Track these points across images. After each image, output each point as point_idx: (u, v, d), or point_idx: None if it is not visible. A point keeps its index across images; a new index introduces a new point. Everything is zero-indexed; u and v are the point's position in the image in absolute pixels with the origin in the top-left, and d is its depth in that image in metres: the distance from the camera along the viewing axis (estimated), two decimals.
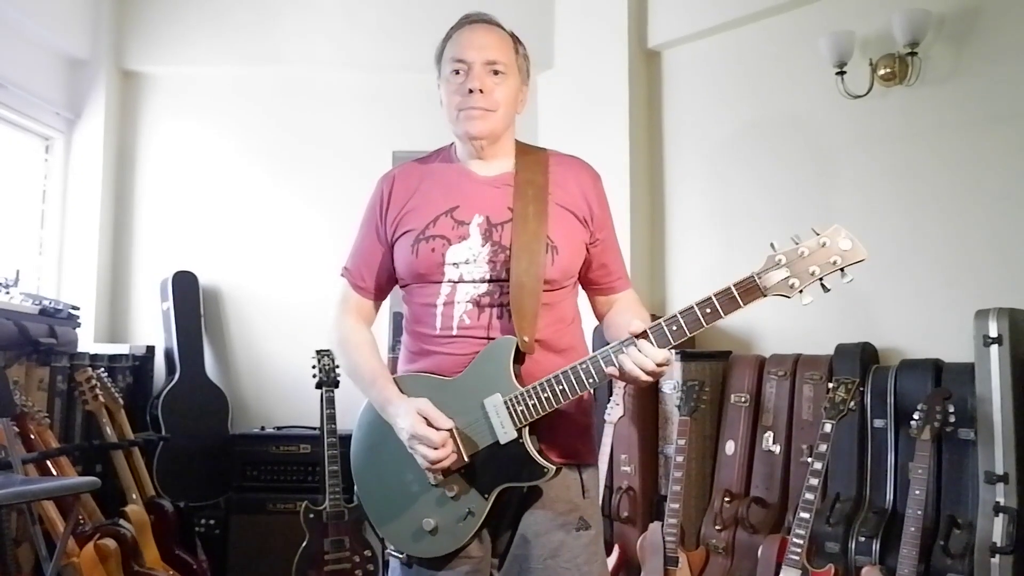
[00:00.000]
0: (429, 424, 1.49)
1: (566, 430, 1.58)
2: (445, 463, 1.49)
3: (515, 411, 1.48)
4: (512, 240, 1.55)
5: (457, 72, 1.59)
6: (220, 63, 4.22)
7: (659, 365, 1.40)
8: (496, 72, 1.59)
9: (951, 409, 2.46)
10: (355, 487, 1.69)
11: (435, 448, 1.47)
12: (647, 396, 3.24)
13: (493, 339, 1.54)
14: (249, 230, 4.20)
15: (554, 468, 1.48)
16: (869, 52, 3.07)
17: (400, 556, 1.60)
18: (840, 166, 3.22)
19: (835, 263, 1.35)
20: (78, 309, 3.50)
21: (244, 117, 4.24)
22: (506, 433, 1.48)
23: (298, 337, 3.86)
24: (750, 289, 1.37)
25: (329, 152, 4.19)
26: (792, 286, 1.36)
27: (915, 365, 2.76)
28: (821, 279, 1.36)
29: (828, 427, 2.58)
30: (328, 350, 3.48)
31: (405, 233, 1.61)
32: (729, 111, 3.58)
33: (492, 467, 1.51)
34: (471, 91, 1.57)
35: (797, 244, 1.37)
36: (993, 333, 2.43)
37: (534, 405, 1.47)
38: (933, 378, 2.69)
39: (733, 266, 3.50)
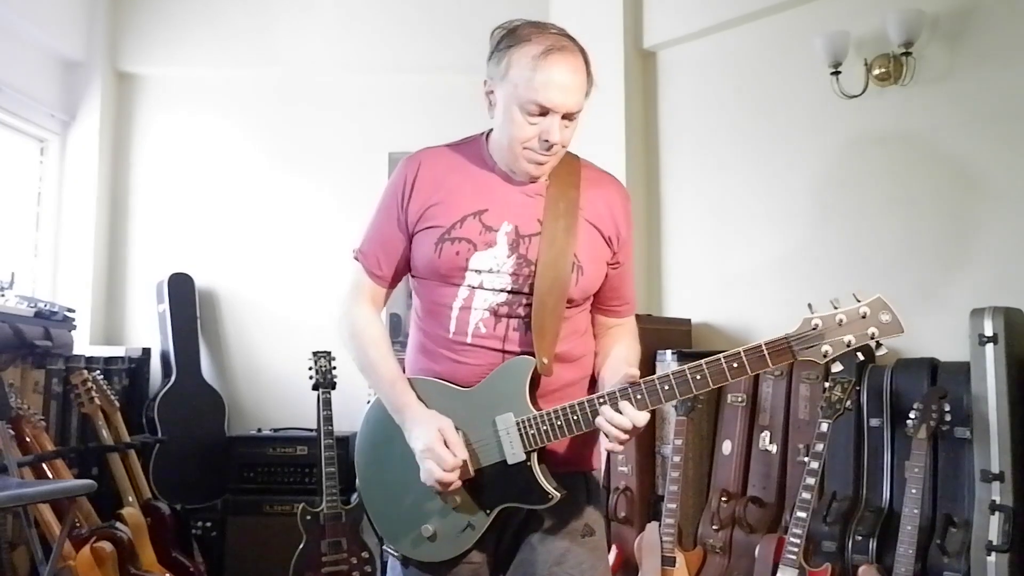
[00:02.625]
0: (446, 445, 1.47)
1: (575, 438, 1.54)
2: (451, 488, 1.48)
3: (526, 434, 1.46)
4: (539, 256, 1.51)
5: (534, 114, 1.47)
6: (215, 65, 4.21)
7: (634, 428, 1.39)
8: (572, 118, 1.51)
9: (947, 408, 2.46)
10: (357, 481, 1.67)
11: (446, 471, 1.45)
12: None
13: (508, 351, 1.52)
14: (245, 232, 4.19)
15: (559, 495, 1.46)
16: (864, 52, 3.07)
17: (397, 555, 1.59)
18: (835, 166, 3.23)
19: (872, 335, 1.32)
20: (73, 311, 3.49)
21: (240, 119, 4.24)
22: (515, 455, 1.47)
23: (294, 339, 3.86)
24: (781, 351, 1.35)
25: (325, 154, 4.19)
26: (825, 354, 1.33)
27: (911, 364, 2.76)
28: (857, 350, 1.34)
29: (824, 426, 2.59)
30: (325, 352, 3.47)
31: (429, 228, 1.54)
32: (724, 111, 3.58)
33: (497, 485, 1.50)
34: (548, 141, 1.48)
35: (836, 310, 1.34)
36: (989, 332, 2.44)
37: (546, 431, 1.45)
38: (929, 377, 2.69)
39: (729, 265, 3.53)
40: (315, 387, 3.44)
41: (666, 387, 1.40)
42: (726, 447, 3.11)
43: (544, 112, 1.47)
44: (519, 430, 1.46)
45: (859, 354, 1.34)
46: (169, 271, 4.02)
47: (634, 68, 3.80)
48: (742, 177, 3.51)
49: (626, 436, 1.40)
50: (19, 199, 3.95)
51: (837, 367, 1.36)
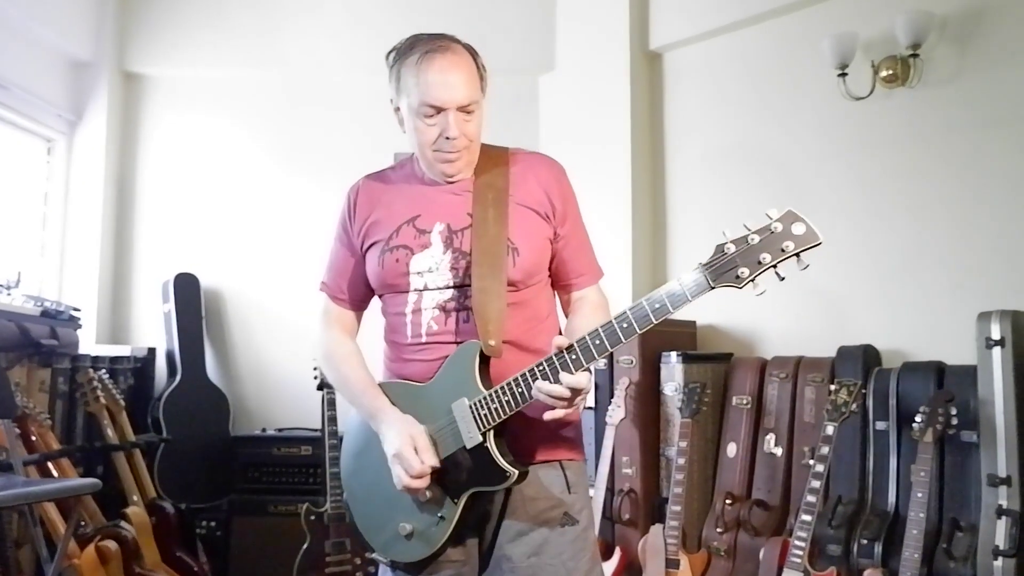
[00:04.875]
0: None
1: (545, 427, 1.53)
2: (417, 492, 1.51)
3: (479, 415, 1.47)
4: (472, 246, 1.55)
5: (430, 116, 1.54)
6: (222, 65, 4.22)
7: (575, 391, 1.39)
8: (469, 111, 1.56)
9: (953, 411, 2.45)
10: (343, 494, 1.69)
11: (413, 476, 1.48)
12: (649, 398, 3.24)
13: (460, 342, 1.55)
14: (251, 232, 4.20)
15: (517, 472, 1.46)
16: (871, 54, 3.06)
17: (384, 560, 1.61)
18: (842, 168, 3.22)
19: (786, 249, 1.28)
20: (79, 310, 3.50)
21: (246, 119, 4.25)
22: (472, 437, 1.48)
23: (299, 339, 3.86)
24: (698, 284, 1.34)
25: (331, 154, 4.19)
26: (740, 276, 1.31)
27: (917, 367, 2.75)
28: (774, 267, 1.30)
29: (830, 429, 2.58)
30: None
31: (373, 245, 1.63)
32: (730, 113, 3.58)
33: (461, 472, 1.51)
34: (449, 138, 1.54)
35: (747, 231, 1.31)
36: (996, 335, 2.43)
37: (496, 409, 1.46)
38: (935, 380, 2.68)
39: None
40: (320, 387, 3.45)
41: (597, 342, 1.39)
42: (731, 450, 3.11)
43: (439, 110, 1.53)
44: (472, 412, 1.48)
45: (778, 274, 1.30)
46: (175, 271, 4.03)
47: (640, 69, 3.80)
48: (748, 179, 3.50)
49: (564, 402, 1.41)
50: (26, 199, 3.96)
51: (759, 289, 1.31)
